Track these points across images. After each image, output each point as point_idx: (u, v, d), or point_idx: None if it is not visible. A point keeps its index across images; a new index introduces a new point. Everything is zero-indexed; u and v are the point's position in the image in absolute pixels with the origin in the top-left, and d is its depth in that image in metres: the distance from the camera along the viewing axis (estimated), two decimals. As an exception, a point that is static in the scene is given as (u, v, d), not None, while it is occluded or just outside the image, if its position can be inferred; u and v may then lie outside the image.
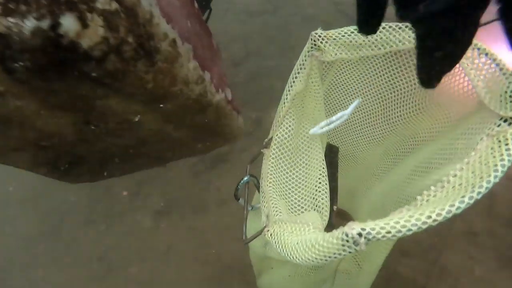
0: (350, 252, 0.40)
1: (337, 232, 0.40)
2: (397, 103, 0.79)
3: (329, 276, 0.90)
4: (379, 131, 0.87)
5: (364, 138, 0.92)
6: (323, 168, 0.73)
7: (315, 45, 0.70)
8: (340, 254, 0.41)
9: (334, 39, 0.69)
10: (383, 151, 0.89)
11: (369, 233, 0.39)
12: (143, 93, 0.74)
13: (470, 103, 0.57)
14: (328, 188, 0.71)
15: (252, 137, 2.02)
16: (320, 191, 0.70)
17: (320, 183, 0.71)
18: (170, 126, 0.96)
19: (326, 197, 0.67)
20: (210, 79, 0.93)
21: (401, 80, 0.74)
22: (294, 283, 0.80)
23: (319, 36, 0.69)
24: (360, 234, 0.38)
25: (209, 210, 1.88)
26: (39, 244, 2.00)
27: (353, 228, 0.39)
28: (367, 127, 0.89)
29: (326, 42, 0.69)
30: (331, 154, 0.87)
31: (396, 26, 0.62)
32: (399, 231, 0.39)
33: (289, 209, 0.66)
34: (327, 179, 0.72)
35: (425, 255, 1.51)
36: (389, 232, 0.39)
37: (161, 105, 0.82)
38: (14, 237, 2.07)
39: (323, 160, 0.74)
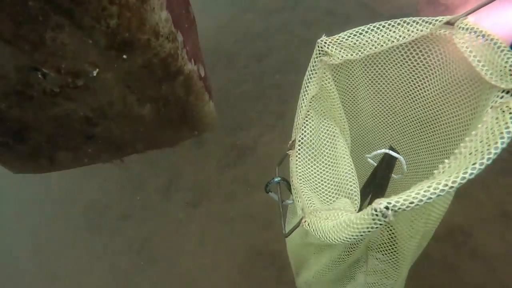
0: (380, 225, 0.46)
1: (367, 209, 0.47)
2: (411, 93, 0.84)
3: (361, 263, 0.93)
4: (400, 120, 0.91)
5: (388, 128, 0.96)
6: (349, 159, 0.79)
7: (322, 50, 0.77)
8: (372, 227, 0.47)
9: (339, 43, 0.76)
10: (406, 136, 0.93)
11: (394, 205, 0.45)
12: (104, 32, 0.61)
13: (473, 83, 0.62)
14: (355, 176, 0.76)
15: (274, 130, 2.09)
16: (349, 180, 0.75)
17: (347, 173, 0.77)
18: (133, 97, 0.82)
19: (355, 184, 0.73)
20: (183, 42, 0.82)
21: (409, 72, 0.79)
22: (331, 272, 0.84)
23: (325, 42, 0.76)
24: (387, 207, 0.45)
25: (237, 200, 1.94)
26: (81, 239, 2.15)
27: (380, 203, 0.45)
28: (388, 118, 0.94)
29: (332, 46, 0.76)
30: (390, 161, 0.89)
31: (394, 22, 0.69)
32: (421, 200, 0.44)
33: (321, 201, 0.73)
34: (353, 168, 0.78)
35: (454, 238, 1.49)
36: (412, 203, 0.45)
37: (124, 56, 0.69)
38: (57, 233, 2.23)
39: (346, 152, 0.80)
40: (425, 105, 0.82)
